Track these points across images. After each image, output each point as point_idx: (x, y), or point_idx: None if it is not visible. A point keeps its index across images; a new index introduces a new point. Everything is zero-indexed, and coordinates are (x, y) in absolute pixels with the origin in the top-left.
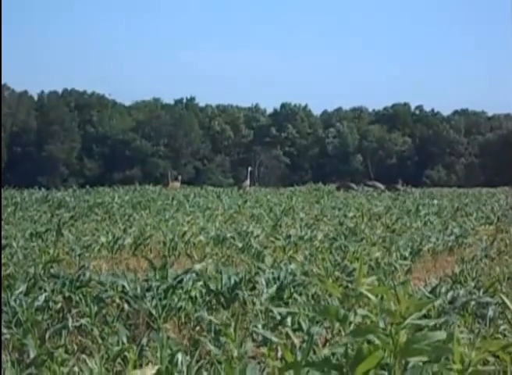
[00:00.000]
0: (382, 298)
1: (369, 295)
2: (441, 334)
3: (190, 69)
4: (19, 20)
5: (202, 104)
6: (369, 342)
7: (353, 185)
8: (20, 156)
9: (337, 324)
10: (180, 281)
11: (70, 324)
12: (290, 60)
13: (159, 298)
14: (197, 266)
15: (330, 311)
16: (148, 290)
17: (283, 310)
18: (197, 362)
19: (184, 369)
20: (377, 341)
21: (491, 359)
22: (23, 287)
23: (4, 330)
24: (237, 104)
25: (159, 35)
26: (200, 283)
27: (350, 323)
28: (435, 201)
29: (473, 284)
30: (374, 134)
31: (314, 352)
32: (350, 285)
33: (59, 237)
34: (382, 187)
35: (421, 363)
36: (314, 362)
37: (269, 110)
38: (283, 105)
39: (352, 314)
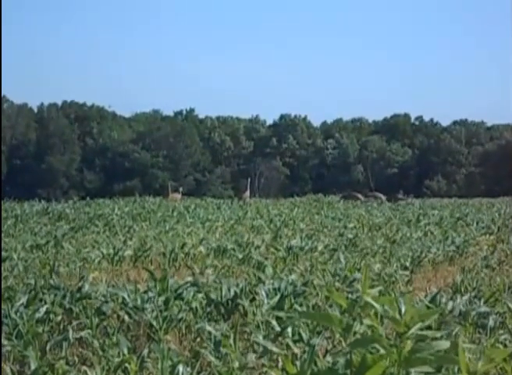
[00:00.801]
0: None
1: (374, 304)
2: (445, 344)
3: (189, 81)
4: (20, 32)
5: (202, 115)
6: (372, 352)
7: (360, 195)
8: (20, 168)
9: (338, 335)
10: (181, 293)
11: (71, 336)
12: (290, 71)
13: (160, 309)
14: (198, 278)
15: (333, 319)
16: (149, 301)
17: (283, 314)
18: (198, 373)
19: None
20: (381, 351)
21: (493, 370)
22: (23, 299)
23: (5, 342)
24: (237, 115)
25: (159, 47)
26: (201, 294)
27: (355, 332)
28: (436, 212)
29: (473, 294)
30: (374, 145)
31: (315, 363)
32: (350, 296)
33: (59, 249)
34: (383, 197)
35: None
36: (319, 372)
37: (269, 121)
38: (283, 117)
39: (357, 323)
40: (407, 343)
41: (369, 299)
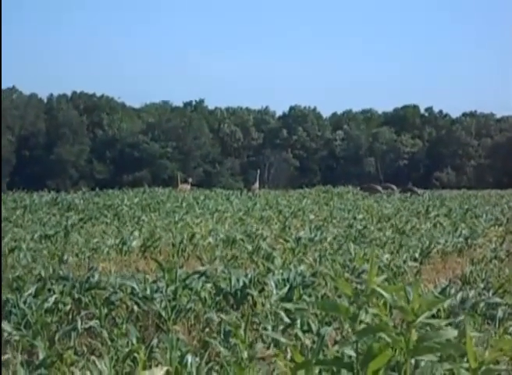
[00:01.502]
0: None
1: (382, 292)
2: (452, 333)
3: (199, 72)
4: (29, 23)
5: (211, 106)
6: (379, 341)
7: (379, 187)
8: (29, 159)
9: (347, 325)
10: (189, 283)
11: (80, 326)
12: (299, 63)
13: (168, 299)
14: (207, 268)
15: (340, 308)
16: (157, 291)
17: (291, 305)
18: (207, 363)
19: (194, 370)
20: (388, 340)
21: (501, 359)
22: (32, 289)
23: (14, 332)
24: (247, 106)
25: (170, 39)
26: (210, 284)
27: (361, 322)
28: (445, 203)
29: (482, 285)
30: (384, 136)
31: (324, 353)
32: (359, 286)
33: (68, 239)
34: (396, 189)
35: (432, 362)
36: (324, 360)
37: (279, 112)
38: (293, 108)
39: (363, 313)
40: (413, 332)
41: (376, 287)
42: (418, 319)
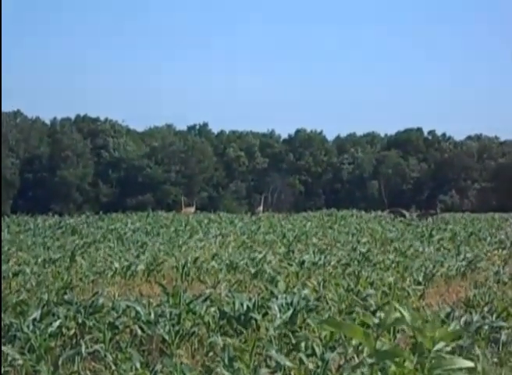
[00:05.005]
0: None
1: (407, 319)
2: (466, 363)
3: (203, 96)
4: (33, 46)
5: (216, 130)
6: (391, 366)
7: (405, 212)
8: (33, 182)
9: (350, 350)
10: (193, 307)
11: (84, 350)
12: (303, 85)
13: (172, 323)
14: (210, 292)
15: (357, 331)
16: (161, 315)
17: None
18: None
19: None
20: (399, 367)
21: None
22: (36, 314)
23: (17, 356)
24: (252, 129)
25: (172, 62)
26: (214, 308)
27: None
28: (449, 226)
29: (486, 309)
30: (390, 160)
31: None
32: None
33: (73, 263)
34: (406, 213)
35: None
36: None
37: (284, 135)
38: (298, 131)
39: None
40: (429, 359)
41: (406, 314)
42: (435, 348)
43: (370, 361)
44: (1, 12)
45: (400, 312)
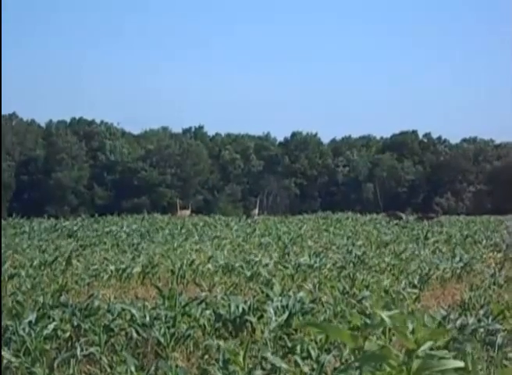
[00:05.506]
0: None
1: (388, 322)
2: (455, 363)
3: (199, 98)
4: (28, 48)
5: (211, 133)
6: (380, 369)
7: (402, 215)
8: (28, 185)
9: (346, 352)
10: (189, 309)
11: (79, 353)
12: (299, 88)
13: (168, 326)
14: (206, 295)
15: (344, 334)
16: (157, 318)
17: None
18: None
19: None
20: (389, 368)
21: None
22: (31, 316)
23: (13, 359)
24: (247, 132)
25: (169, 64)
26: (209, 311)
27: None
28: (445, 229)
29: (482, 312)
30: (385, 163)
31: None
32: (357, 310)
33: (68, 266)
34: (403, 215)
35: None
36: None
37: (280, 138)
38: (294, 134)
39: (367, 341)
40: (416, 361)
41: (384, 317)
42: (420, 349)
43: (357, 363)
44: (0, 15)
45: (380, 315)
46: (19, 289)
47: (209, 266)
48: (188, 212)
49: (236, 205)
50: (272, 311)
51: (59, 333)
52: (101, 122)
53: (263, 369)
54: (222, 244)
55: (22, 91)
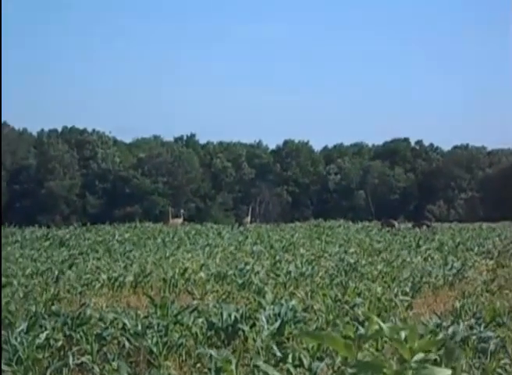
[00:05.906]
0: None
1: (385, 330)
2: (446, 371)
3: (190, 107)
4: (19, 57)
5: (203, 141)
6: None
7: (395, 222)
8: (20, 194)
9: (338, 360)
10: (181, 318)
11: (71, 362)
12: (291, 95)
13: (160, 335)
14: (198, 303)
15: (338, 342)
16: (149, 327)
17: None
18: None
19: None
20: None
21: None
22: (23, 326)
23: (5, 368)
24: (239, 140)
25: (160, 73)
26: (201, 319)
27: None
28: (437, 236)
29: (474, 320)
30: (376, 170)
31: None
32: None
33: (60, 275)
34: (396, 223)
35: None
36: None
37: (271, 145)
38: (286, 142)
39: (360, 351)
40: (409, 371)
41: (384, 326)
42: (414, 358)
43: (351, 372)
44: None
45: (379, 324)
46: (12, 298)
47: (201, 274)
48: (180, 220)
49: (228, 214)
50: (264, 319)
51: (51, 342)
52: (93, 130)
53: None
54: (214, 252)
55: (13, 100)
